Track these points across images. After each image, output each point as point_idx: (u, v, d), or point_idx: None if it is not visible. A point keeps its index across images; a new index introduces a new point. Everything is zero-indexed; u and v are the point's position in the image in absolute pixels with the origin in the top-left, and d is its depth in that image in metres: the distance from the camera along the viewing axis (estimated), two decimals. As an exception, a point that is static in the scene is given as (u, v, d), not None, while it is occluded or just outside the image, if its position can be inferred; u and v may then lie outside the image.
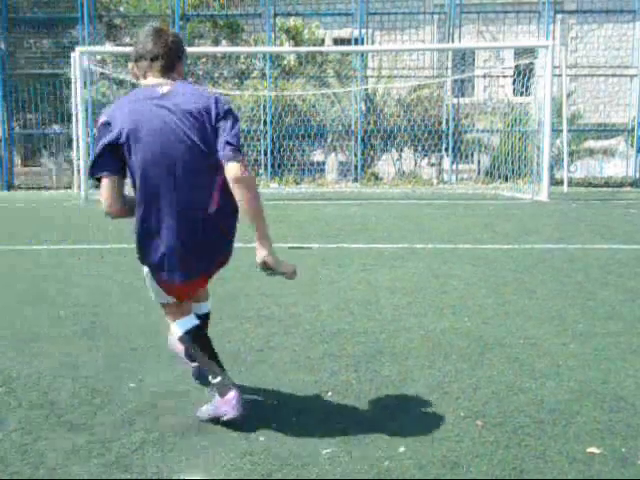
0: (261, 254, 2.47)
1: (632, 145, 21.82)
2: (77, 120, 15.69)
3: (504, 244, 7.72)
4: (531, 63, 19.16)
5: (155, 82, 2.67)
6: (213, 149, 2.52)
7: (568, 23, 26.20)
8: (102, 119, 2.61)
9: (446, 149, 21.99)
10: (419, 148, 22.03)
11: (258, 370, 3.28)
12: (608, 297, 4.91)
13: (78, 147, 15.74)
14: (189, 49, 20.88)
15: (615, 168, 23.15)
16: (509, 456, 2.35)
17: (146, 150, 2.53)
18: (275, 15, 21.99)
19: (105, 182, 2.59)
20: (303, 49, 20.38)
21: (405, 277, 5.74)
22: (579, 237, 8.37)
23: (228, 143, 2.49)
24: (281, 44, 22.44)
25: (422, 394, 2.98)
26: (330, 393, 2.99)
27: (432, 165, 22.81)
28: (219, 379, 2.61)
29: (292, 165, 21.67)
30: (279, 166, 21.68)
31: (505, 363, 3.38)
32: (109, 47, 22.12)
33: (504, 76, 25.29)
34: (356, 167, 21.85)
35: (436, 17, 23.84)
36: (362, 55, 21.77)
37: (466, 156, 22.30)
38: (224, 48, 21.68)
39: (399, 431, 2.56)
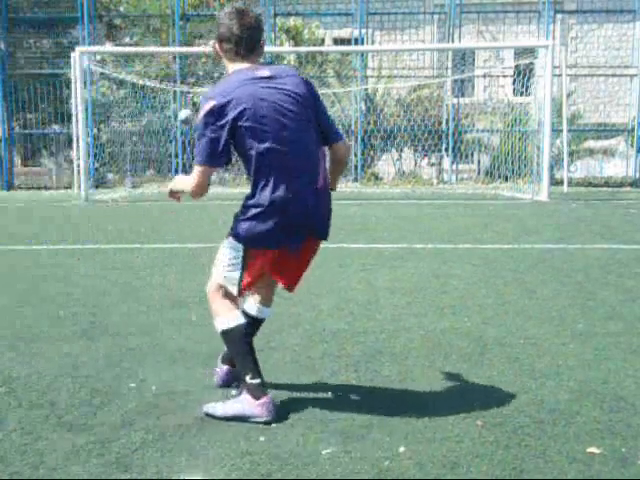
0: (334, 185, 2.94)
1: (632, 145, 21.80)
2: (77, 120, 15.68)
3: (504, 244, 7.72)
4: (531, 63, 19.14)
5: (247, 66, 2.73)
6: (317, 129, 2.75)
7: (568, 23, 26.20)
8: (210, 104, 2.59)
9: (446, 149, 21.97)
10: (419, 148, 22.01)
11: (258, 370, 3.27)
12: (608, 297, 4.90)
13: (78, 147, 15.73)
14: (189, 49, 21.04)
15: (615, 168, 23.14)
16: (509, 456, 2.35)
17: (267, 129, 2.60)
18: (275, 15, 21.98)
19: (208, 170, 2.66)
20: (303, 49, 20.38)
21: (405, 277, 5.74)
22: (579, 237, 8.37)
23: (334, 126, 2.85)
24: (281, 44, 22.43)
25: (422, 394, 2.98)
26: (330, 393, 2.99)
27: (432, 165, 22.80)
28: (258, 381, 2.67)
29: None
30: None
31: (505, 363, 3.38)
32: (109, 47, 22.13)
33: (504, 76, 25.27)
34: (356, 167, 21.84)
35: (436, 17, 23.84)
36: (362, 55, 21.76)
37: (466, 156, 22.28)
38: (224, 48, 21.63)
39: (399, 431, 2.56)
